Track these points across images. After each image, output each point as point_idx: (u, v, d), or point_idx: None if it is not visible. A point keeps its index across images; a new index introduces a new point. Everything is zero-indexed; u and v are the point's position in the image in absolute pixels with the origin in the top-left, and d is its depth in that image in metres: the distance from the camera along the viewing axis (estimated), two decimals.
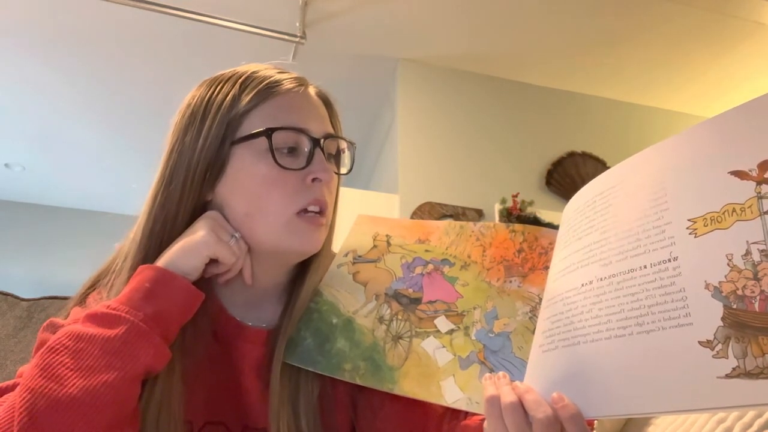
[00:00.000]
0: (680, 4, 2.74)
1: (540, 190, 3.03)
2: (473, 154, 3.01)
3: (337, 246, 0.84)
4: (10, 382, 0.60)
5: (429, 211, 2.79)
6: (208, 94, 0.72)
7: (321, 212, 0.71)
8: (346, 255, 0.82)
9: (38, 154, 4.02)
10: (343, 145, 0.78)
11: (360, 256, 0.81)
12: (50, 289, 1.22)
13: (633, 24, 2.86)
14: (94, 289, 0.72)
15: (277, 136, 0.68)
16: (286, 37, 2.75)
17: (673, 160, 0.50)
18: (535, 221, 2.78)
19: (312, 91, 0.76)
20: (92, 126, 3.64)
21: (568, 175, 3.03)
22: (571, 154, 3.10)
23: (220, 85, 0.73)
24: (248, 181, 0.69)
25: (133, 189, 4.29)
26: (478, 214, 2.84)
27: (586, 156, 3.11)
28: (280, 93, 0.71)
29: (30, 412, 0.51)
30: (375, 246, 0.82)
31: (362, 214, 0.87)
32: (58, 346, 0.55)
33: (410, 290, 0.75)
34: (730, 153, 0.46)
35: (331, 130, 0.76)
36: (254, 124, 0.69)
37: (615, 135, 3.28)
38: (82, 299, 0.72)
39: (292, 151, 0.70)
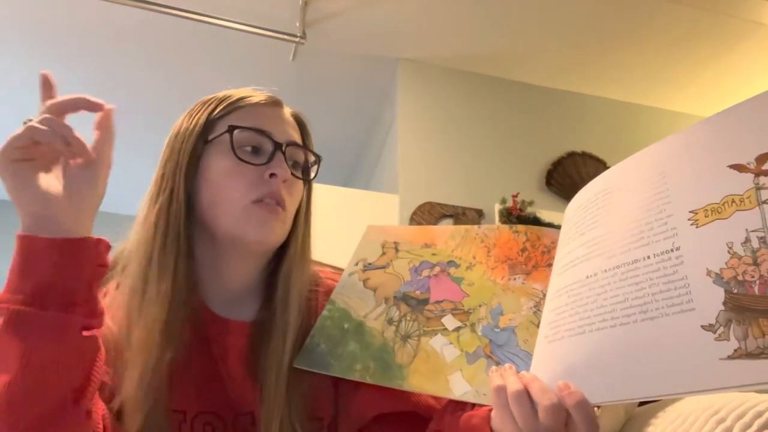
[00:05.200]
0: (680, 4, 2.75)
1: (540, 190, 3.04)
2: (473, 154, 3.02)
3: (345, 256, 0.88)
4: None
5: (429, 211, 2.79)
6: (195, 112, 0.80)
7: (279, 205, 0.76)
8: (356, 264, 0.86)
9: None
10: (311, 158, 0.84)
11: (370, 264, 0.85)
12: None
13: (633, 24, 2.88)
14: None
15: (239, 135, 0.76)
16: (286, 37, 2.76)
17: (674, 156, 0.53)
18: (535, 221, 2.79)
19: (286, 110, 0.84)
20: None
21: (568, 175, 3.04)
22: (571, 154, 3.10)
23: (204, 104, 0.81)
24: (213, 175, 0.76)
25: (131, 188, 4.30)
26: (478, 214, 2.85)
27: (586, 156, 3.12)
28: (249, 104, 0.80)
29: None
30: (384, 253, 0.86)
31: (372, 224, 0.91)
32: None
33: (418, 292, 0.78)
34: (728, 148, 0.48)
35: (298, 140, 0.82)
36: (223, 127, 0.77)
37: (615, 135, 3.29)
38: None
39: (256, 151, 0.77)
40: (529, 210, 2.83)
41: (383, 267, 0.84)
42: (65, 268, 0.55)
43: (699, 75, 3.23)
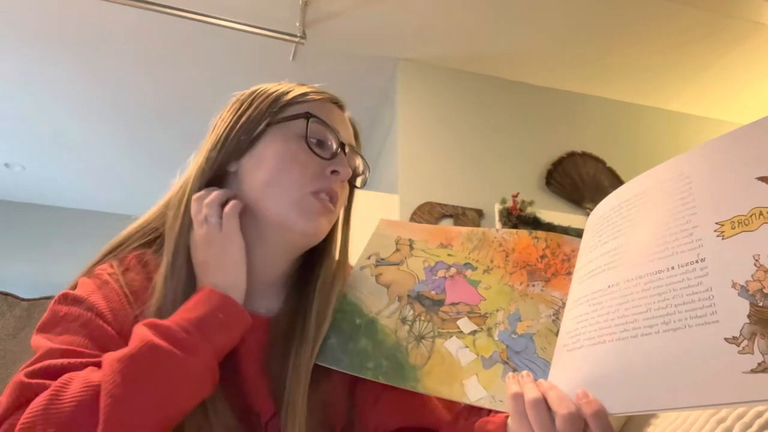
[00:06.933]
0: (681, 4, 2.75)
1: (540, 190, 3.04)
2: (473, 154, 3.02)
3: (357, 252, 0.86)
4: (73, 361, 0.60)
5: (429, 211, 2.79)
6: (256, 92, 0.81)
7: (332, 202, 0.76)
8: (368, 258, 0.84)
9: (38, 154, 4.01)
10: (362, 167, 0.86)
11: (383, 259, 0.83)
12: (50, 289, 1.21)
13: (633, 24, 2.88)
14: (104, 262, 0.74)
15: (312, 125, 0.76)
16: (286, 37, 2.76)
17: (700, 167, 0.52)
18: (535, 221, 2.79)
19: (347, 115, 0.85)
20: (92, 126, 3.64)
21: (568, 175, 3.04)
22: (571, 154, 3.11)
23: (264, 90, 0.81)
24: (275, 156, 0.75)
25: (131, 189, 4.30)
26: (478, 214, 2.84)
27: (586, 156, 3.12)
28: (320, 99, 0.81)
29: (110, 418, 0.53)
30: (397, 249, 0.84)
31: (384, 218, 0.89)
32: (141, 357, 0.57)
33: (433, 292, 0.77)
34: (757, 160, 0.48)
35: (355, 146, 0.85)
36: (295, 110, 0.77)
37: (615, 135, 3.30)
38: (91, 270, 0.73)
39: (321, 144, 0.77)
40: (529, 210, 2.84)
41: (397, 264, 0.82)
42: (237, 339, 0.67)
43: (699, 75, 3.24)
